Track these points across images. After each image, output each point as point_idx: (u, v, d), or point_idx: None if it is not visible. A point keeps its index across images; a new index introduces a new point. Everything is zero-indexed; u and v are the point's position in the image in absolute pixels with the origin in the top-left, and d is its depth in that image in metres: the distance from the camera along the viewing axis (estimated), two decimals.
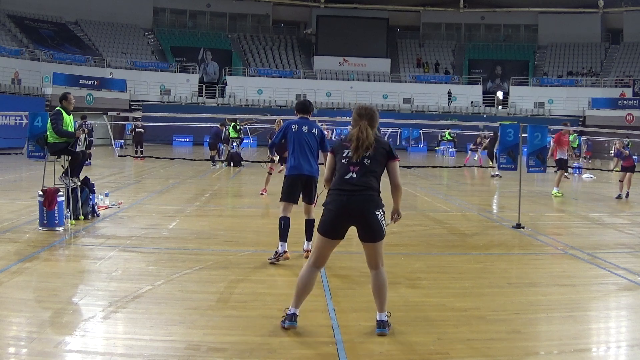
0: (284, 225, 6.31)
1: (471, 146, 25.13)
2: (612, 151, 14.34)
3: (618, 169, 13.95)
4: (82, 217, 8.52)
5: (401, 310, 4.84)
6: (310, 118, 6.68)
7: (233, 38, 46.98)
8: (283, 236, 6.32)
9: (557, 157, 13.78)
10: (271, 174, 12.12)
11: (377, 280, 4.29)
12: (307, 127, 6.38)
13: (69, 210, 8.24)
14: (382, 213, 4.23)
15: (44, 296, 4.95)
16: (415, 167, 21.90)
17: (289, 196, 6.38)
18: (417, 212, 10.64)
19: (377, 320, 4.27)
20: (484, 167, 20.55)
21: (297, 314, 4.31)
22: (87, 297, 5.00)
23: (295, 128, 6.35)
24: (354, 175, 4.21)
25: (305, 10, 48.10)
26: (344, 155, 4.30)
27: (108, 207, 9.71)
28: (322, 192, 5.31)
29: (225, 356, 3.85)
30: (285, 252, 6.34)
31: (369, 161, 4.23)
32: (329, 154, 4.54)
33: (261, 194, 12.25)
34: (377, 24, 46.50)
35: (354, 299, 5.11)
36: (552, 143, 14.07)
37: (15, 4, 38.95)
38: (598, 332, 4.61)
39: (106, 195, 10.13)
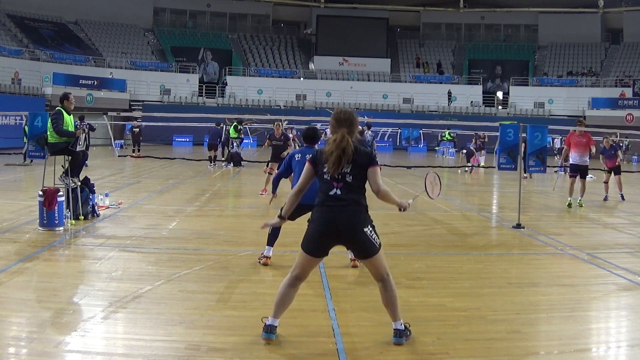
0: (272, 230, 6.06)
1: (472, 146, 25.10)
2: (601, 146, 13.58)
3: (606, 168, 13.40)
4: (82, 217, 8.52)
5: (401, 310, 4.83)
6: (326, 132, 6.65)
7: (233, 38, 46.98)
8: (269, 240, 6.26)
9: (571, 162, 11.77)
10: (272, 174, 12.12)
11: (386, 291, 4.09)
12: (310, 156, 6.27)
13: (69, 210, 8.23)
14: (370, 229, 4.01)
15: (44, 296, 4.95)
16: (415, 167, 21.90)
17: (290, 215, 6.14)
18: (417, 212, 10.63)
19: (394, 329, 4.10)
20: (484, 167, 20.56)
21: (276, 325, 4.10)
22: (87, 297, 5.00)
23: (298, 157, 6.27)
24: (339, 192, 3.97)
25: (305, 10, 48.11)
26: (325, 170, 4.00)
27: (108, 207, 9.71)
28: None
29: (225, 356, 3.85)
30: (266, 256, 6.22)
31: (350, 177, 3.96)
32: (307, 164, 4.14)
33: (261, 194, 12.26)
34: (377, 24, 46.51)
35: (354, 299, 5.11)
36: (564, 146, 12.38)
37: (15, 4, 38.95)
38: (598, 332, 4.61)
39: (106, 195, 10.13)
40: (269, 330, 4.07)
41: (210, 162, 19.66)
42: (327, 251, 4.10)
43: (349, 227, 3.95)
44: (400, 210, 4.14)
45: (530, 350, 4.09)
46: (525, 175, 17.37)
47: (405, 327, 4.14)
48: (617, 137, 25.95)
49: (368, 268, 4.15)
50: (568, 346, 4.13)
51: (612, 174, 13.14)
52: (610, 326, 4.78)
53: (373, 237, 4.01)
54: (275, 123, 12.90)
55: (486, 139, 24.44)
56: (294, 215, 5.71)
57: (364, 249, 4.01)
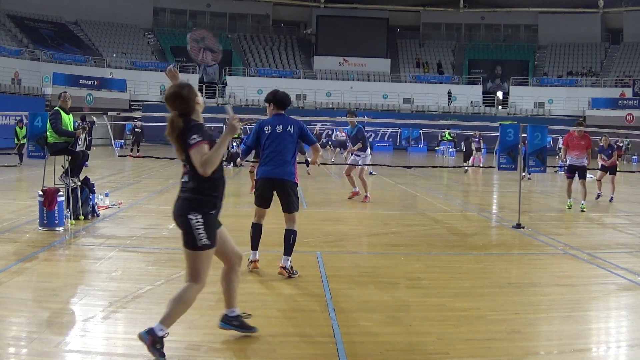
0: (253, 233, 5.88)
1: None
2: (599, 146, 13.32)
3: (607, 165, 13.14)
4: (82, 217, 8.52)
5: (401, 310, 4.84)
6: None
7: (233, 38, 46.98)
8: (253, 244, 5.89)
9: (568, 163, 11.52)
10: (253, 172, 12.07)
11: (179, 292, 3.71)
12: (281, 127, 5.73)
13: (69, 210, 8.23)
14: (197, 218, 3.63)
15: (44, 296, 4.95)
16: (415, 167, 21.90)
17: (258, 200, 5.82)
18: (417, 212, 10.64)
19: (151, 328, 3.61)
20: (483, 167, 20.55)
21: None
22: (87, 297, 5.00)
23: (268, 130, 5.72)
24: (186, 178, 3.74)
25: (305, 10, 48.11)
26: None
27: (108, 207, 9.71)
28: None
29: (225, 356, 3.86)
30: (253, 261, 5.89)
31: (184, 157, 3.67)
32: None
33: (252, 192, 12.17)
34: (377, 24, 46.52)
35: (354, 299, 5.10)
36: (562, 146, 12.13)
37: (15, 4, 38.96)
38: (598, 332, 4.61)
39: (106, 195, 10.12)
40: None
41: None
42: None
43: (175, 211, 3.71)
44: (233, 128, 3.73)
45: (530, 350, 4.09)
46: (528, 176, 17.37)
47: (162, 338, 3.64)
48: (617, 137, 25.95)
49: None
50: (568, 346, 4.13)
51: (607, 173, 12.92)
52: (610, 326, 4.78)
53: (198, 228, 3.63)
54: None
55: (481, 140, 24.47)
56: (265, 196, 5.84)
57: (183, 237, 3.69)
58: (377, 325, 4.46)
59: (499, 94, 44.41)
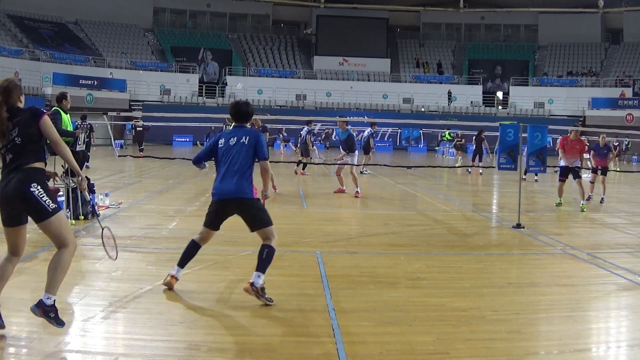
0: (187, 249, 5.35)
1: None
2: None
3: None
4: (82, 217, 8.52)
5: (401, 310, 4.84)
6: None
7: (233, 38, 46.98)
8: (181, 260, 5.29)
9: (561, 165, 11.60)
10: None
11: (56, 258, 4.07)
12: (235, 139, 5.20)
13: (69, 210, 8.24)
14: (38, 188, 3.92)
15: None
16: (415, 167, 21.89)
17: (209, 221, 5.38)
18: (417, 212, 10.64)
19: (40, 300, 3.92)
20: (483, 166, 20.51)
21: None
22: (87, 297, 5.00)
23: (221, 143, 5.21)
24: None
25: (305, 10, 48.11)
26: None
27: (108, 207, 9.71)
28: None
29: (225, 356, 3.85)
30: (173, 276, 5.19)
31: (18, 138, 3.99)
32: None
33: None
34: (377, 24, 46.51)
35: (354, 299, 5.10)
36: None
37: (15, 4, 38.97)
38: (598, 332, 4.61)
39: (106, 195, 10.12)
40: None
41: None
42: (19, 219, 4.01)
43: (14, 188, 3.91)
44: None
45: (530, 350, 4.09)
46: (534, 178, 17.32)
47: (53, 305, 3.94)
48: (615, 137, 25.84)
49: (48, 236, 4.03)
50: (568, 346, 4.13)
51: (599, 173, 12.68)
52: (610, 326, 4.78)
53: (41, 196, 3.89)
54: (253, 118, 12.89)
55: (463, 140, 24.38)
56: (214, 218, 5.43)
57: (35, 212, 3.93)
58: (377, 325, 4.46)
59: (499, 94, 44.41)
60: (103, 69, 38.89)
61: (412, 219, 9.69)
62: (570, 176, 11.59)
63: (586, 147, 11.96)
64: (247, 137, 5.19)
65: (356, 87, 43.16)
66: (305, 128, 17.30)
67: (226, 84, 42.63)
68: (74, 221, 8.26)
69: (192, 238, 5.39)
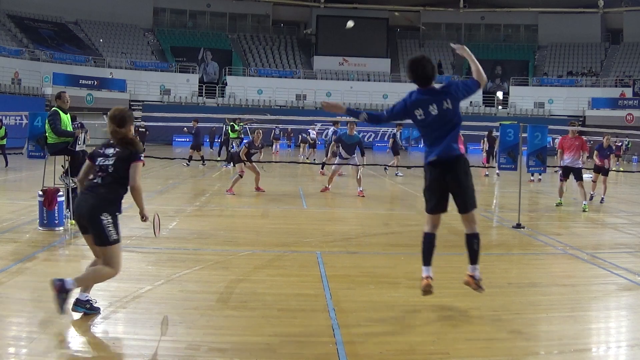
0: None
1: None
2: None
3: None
4: None
5: (401, 310, 4.84)
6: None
7: (233, 38, 46.97)
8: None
9: (563, 165, 11.50)
10: (241, 176, 12.46)
11: (99, 267, 4.53)
12: (434, 106, 4.63)
13: (69, 210, 8.23)
14: (108, 218, 4.40)
15: (44, 296, 4.93)
16: (415, 167, 21.86)
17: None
18: (417, 212, 10.63)
19: (64, 279, 4.28)
20: (486, 166, 20.48)
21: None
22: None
23: (420, 115, 4.62)
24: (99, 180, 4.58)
25: (305, 10, 48.10)
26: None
27: None
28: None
29: (225, 356, 3.85)
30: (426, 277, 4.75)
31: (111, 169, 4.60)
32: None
33: (226, 192, 12.20)
34: (377, 24, 46.49)
35: (354, 299, 5.10)
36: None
37: (15, 4, 38.95)
38: (598, 332, 4.61)
39: None
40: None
41: (188, 162, 19.39)
42: None
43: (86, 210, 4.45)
44: (142, 219, 4.63)
45: (530, 350, 4.09)
46: (539, 177, 17.27)
47: (70, 291, 4.28)
48: (616, 137, 25.78)
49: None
50: (568, 346, 4.13)
51: (600, 174, 12.65)
52: (610, 326, 4.78)
53: (109, 228, 4.40)
54: (256, 132, 12.96)
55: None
56: None
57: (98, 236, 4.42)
58: (377, 325, 4.46)
59: (499, 94, 44.38)
60: (103, 69, 38.88)
61: (412, 219, 9.69)
62: (572, 177, 11.57)
63: (587, 144, 11.89)
64: (446, 95, 4.61)
65: (356, 87, 43.15)
66: (332, 128, 17.22)
67: (226, 84, 42.63)
68: (73, 221, 8.24)
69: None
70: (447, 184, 4.61)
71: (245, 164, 12.48)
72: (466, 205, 4.66)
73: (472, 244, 4.74)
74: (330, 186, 12.87)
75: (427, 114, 4.54)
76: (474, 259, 4.73)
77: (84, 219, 4.44)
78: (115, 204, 4.49)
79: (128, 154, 4.54)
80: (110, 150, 4.60)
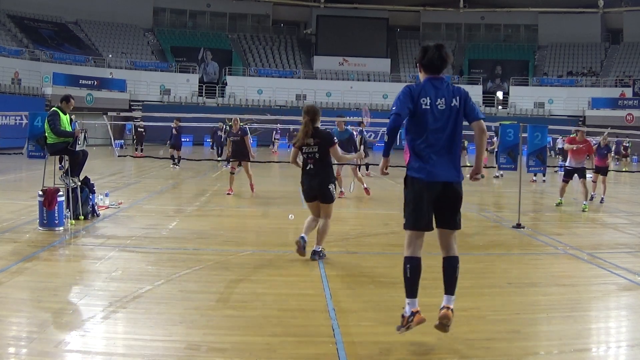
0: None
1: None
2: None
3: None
4: (82, 217, 8.52)
5: (401, 310, 4.83)
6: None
7: (233, 38, 46.97)
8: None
9: (567, 166, 11.72)
10: (234, 173, 12.34)
11: (322, 223, 6.46)
12: (443, 100, 4.16)
13: (69, 210, 8.23)
14: (331, 187, 6.42)
15: (44, 296, 4.94)
16: None
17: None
18: None
19: (313, 251, 6.49)
20: (487, 167, 20.48)
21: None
22: (87, 297, 5.00)
23: (426, 104, 4.09)
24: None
25: (305, 10, 48.10)
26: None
27: (108, 207, 9.71)
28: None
29: (225, 356, 3.85)
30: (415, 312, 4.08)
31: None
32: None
33: (228, 193, 12.15)
34: (377, 24, 46.50)
35: (354, 299, 5.10)
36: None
37: (15, 4, 38.94)
38: (598, 332, 4.61)
39: (106, 195, 10.12)
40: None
41: (173, 162, 19.17)
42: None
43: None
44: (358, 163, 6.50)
45: (530, 350, 4.09)
46: (535, 178, 17.25)
47: (320, 251, 6.42)
48: (618, 137, 25.74)
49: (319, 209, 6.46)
50: (568, 346, 4.13)
51: (599, 173, 12.64)
52: (610, 326, 4.78)
53: (333, 192, 6.46)
54: (234, 119, 12.70)
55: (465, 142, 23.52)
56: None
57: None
58: (377, 325, 4.46)
59: (499, 94, 44.39)
60: (103, 69, 38.87)
61: None
62: (574, 176, 11.55)
63: (593, 147, 11.88)
64: (459, 98, 4.11)
65: (356, 87, 43.14)
66: (358, 129, 17.11)
67: (226, 84, 42.63)
68: (73, 221, 8.26)
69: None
70: (438, 200, 4.07)
71: (240, 164, 12.42)
72: (456, 222, 4.17)
73: (456, 269, 4.16)
74: (343, 189, 12.23)
75: (434, 105, 4.01)
76: (453, 287, 4.12)
77: (314, 190, 6.36)
78: (333, 176, 6.52)
79: (325, 141, 6.34)
80: (311, 141, 6.29)
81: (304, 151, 6.34)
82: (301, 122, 6.29)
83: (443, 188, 4.06)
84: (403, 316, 4.03)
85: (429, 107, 4.02)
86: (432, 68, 4.12)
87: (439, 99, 4.04)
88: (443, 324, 3.97)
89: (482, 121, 4.15)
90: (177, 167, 19.23)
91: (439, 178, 4.02)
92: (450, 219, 4.16)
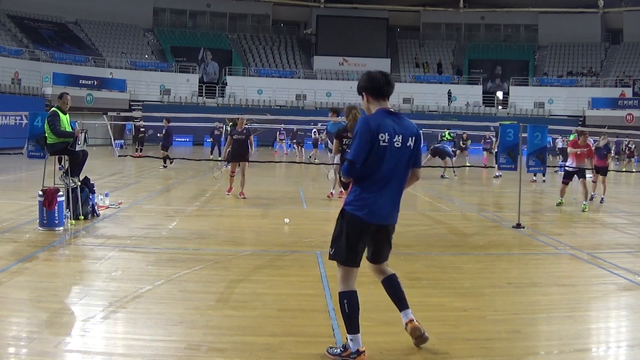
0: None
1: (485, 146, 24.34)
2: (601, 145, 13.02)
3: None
4: (82, 217, 8.51)
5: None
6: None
7: (233, 38, 46.98)
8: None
9: (567, 167, 11.79)
10: (233, 176, 12.19)
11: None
12: (400, 138, 3.90)
13: (69, 210, 8.23)
14: None
15: (44, 296, 4.94)
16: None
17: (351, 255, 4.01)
18: (417, 212, 10.63)
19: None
20: (487, 166, 20.52)
21: None
22: (87, 297, 5.00)
23: (384, 140, 3.79)
24: None
25: (305, 10, 48.10)
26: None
27: (108, 207, 9.71)
28: None
29: (225, 356, 3.85)
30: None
31: None
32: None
33: (227, 194, 12.15)
34: (377, 24, 46.51)
35: None
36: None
37: (15, 4, 38.95)
38: (598, 332, 4.61)
39: (106, 195, 10.12)
40: None
41: (164, 163, 18.99)
42: None
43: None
44: None
45: (530, 350, 4.09)
46: (535, 178, 17.25)
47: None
48: (627, 139, 25.71)
49: None
50: (568, 346, 4.13)
51: (599, 174, 12.64)
52: (610, 326, 4.78)
53: None
54: (240, 118, 12.62)
55: (469, 142, 23.50)
56: None
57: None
58: (377, 325, 4.46)
59: (499, 94, 44.39)
60: (103, 69, 38.88)
61: (412, 219, 9.68)
62: (574, 177, 11.58)
63: (593, 150, 11.92)
64: (414, 139, 3.87)
65: (356, 87, 43.07)
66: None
67: (226, 84, 42.63)
68: (73, 221, 8.25)
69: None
70: (372, 239, 3.90)
71: (239, 164, 12.35)
72: (387, 256, 4.10)
73: (399, 284, 4.14)
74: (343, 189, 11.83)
75: (392, 142, 3.73)
76: (405, 300, 4.08)
77: None
78: None
79: None
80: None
81: (343, 142, 8.11)
82: (346, 120, 8.00)
83: (379, 228, 3.87)
84: (345, 347, 3.84)
85: (387, 143, 3.72)
86: (380, 94, 3.90)
87: (396, 136, 3.76)
88: (418, 336, 3.96)
89: (421, 170, 4.03)
90: (166, 167, 18.92)
91: (379, 221, 3.81)
92: (380, 257, 4.06)
